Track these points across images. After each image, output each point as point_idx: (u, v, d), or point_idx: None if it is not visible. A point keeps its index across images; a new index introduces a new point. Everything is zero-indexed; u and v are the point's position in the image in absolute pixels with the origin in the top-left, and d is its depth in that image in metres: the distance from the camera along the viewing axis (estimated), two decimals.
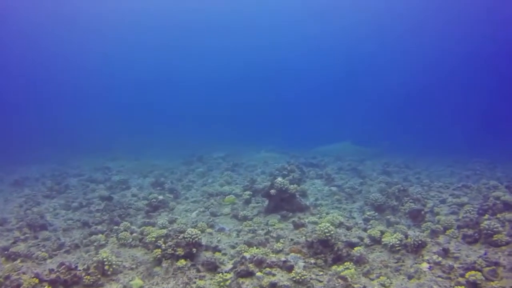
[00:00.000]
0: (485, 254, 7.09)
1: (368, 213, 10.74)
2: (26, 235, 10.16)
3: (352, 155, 23.39)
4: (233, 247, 8.45)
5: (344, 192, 13.42)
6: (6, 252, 8.43)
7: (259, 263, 6.99)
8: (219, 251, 8.27)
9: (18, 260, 8.16)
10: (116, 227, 9.87)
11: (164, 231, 8.37)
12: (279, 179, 10.84)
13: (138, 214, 11.78)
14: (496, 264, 6.44)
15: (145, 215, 11.55)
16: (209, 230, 9.53)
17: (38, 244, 9.49)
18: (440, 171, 19.53)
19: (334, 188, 13.90)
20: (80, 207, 12.86)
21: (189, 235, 7.86)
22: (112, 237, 9.29)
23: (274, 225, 9.65)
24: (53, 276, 6.83)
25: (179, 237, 7.93)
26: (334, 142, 26.79)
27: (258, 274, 6.63)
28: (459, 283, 5.98)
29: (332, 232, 7.70)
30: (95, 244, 8.88)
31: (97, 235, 9.46)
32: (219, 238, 9.00)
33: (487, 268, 6.28)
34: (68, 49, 67.11)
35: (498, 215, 8.83)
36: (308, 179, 15.28)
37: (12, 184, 17.19)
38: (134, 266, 7.54)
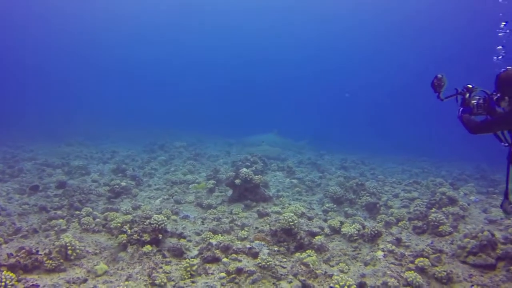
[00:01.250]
0: (432, 243, 7.84)
1: (327, 205, 11.25)
2: None
3: (277, 145, 24.45)
4: (198, 234, 8.61)
5: (304, 185, 13.92)
6: None
7: (225, 250, 7.22)
8: (184, 237, 8.39)
9: None
10: (77, 212, 9.66)
11: (130, 217, 8.36)
12: (244, 169, 11.09)
13: (99, 200, 11.57)
14: (441, 251, 7.13)
15: (107, 201, 11.37)
16: (174, 217, 9.60)
17: None
18: (393, 168, 20.74)
19: (295, 181, 14.38)
20: (36, 192, 12.39)
21: (155, 221, 7.91)
22: (73, 222, 9.10)
23: (238, 214, 9.89)
24: (12, 260, 6.63)
25: (145, 223, 7.96)
26: (262, 132, 27.53)
27: (225, 260, 6.86)
28: (409, 269, 6.56)
29: (295, 222, 8.06)
30: (55, 229, 8.67)
31: (57, 220, 9.23)
32: (184, 225, 9.11)
33: (433, 255, 6.95)
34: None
35: (443, 209, 9.66)
36: (270, 171, 15.67)
37: None
38: (98, 251, 7.49)
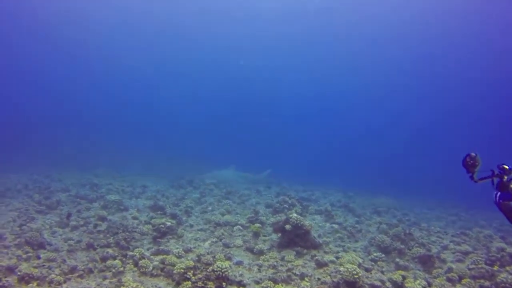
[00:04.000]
0: None
1: (374, 254, 10.95)
2: (28, 254, 9.59)
3: (238, 181, 24.82)
4: (257, 282, 8.38)
5: (345, 230, 13.65)
6: (20, 274, 7.92)
7: None
8: (244, 286, 8.18)
9: (34, 283, 7.69)
10: (130, 253, 9.50)
11: (192, 262, 8.18)
12: (294, 214, 10.93)
13: (144, 239, 11.42)
14: None
15: (152, 241, 11.22)
16: (227, 263, 9.40)
17: (44, 265, 8.98)
18: (426, 214, 20.34)
19: (335, 226, 14.11)
20: (78, 226, 12.31)
21: (218, 268, 7.77)
22: (128, 264, 8.95)
23: (293, 261, 9.66)
24: None
25: (208, 270, 7.81)
26: (221, 167, 27.78)
27: None
28: None
29: (359, 274, 7.86)
30: (112, 270, 8.52)
31: (111, 260, 9.09)
32: (240, 272, 8.89)
33: None
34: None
35: (507, 268, 9.32)
36: (308, 214, 15.44)
37: None
38: None
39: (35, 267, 8.63)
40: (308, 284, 8.18)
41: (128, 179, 22.91)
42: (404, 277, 8.67)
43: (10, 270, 8.26)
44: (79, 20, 55.91)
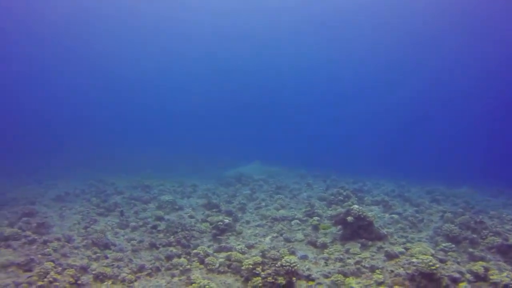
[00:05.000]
0: None
1: (443, 244, 10.31)
2: (97, 254, 9.87)
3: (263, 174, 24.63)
4: (326, 276, 8.09)
5: (407, 221, 13.01)
6: (94, 273, 8.13)
7: None
8: (313, 280, 7.93)
9: (109, 282, 7.86)
10: (194, 250, 9.52)
11: (259, 258, 8.02)
12: (356, 206, 10.52)
13: (203, 236, 11.45)
14: None
15: (212, 238, 11.22)
16: (292, 257, 9.17)
17: (113, 265, 9.20)
18: (488, 200, 19.09)
19: (395, 216, 13.49)
20: (138, 227, 12.57)
21: (287, 263, 7.54)
22: (194, 261, 8.96)
23: (359, 254, 9.27)
24: None
25: (276, 265, 7.61)
26: (247, 162, 28.27)
27: None
28: None
29: (437, 266, 7.36)
30: (179, 268, 8.55)
31: (176, 258, 9.15)
32: (307, 266, 8.64)
33: None
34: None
35: None
36: (365, 205, 14.90)
37: (55, 200, 16.97)
38: None
39: (105, 266, 8.86)
40: (380, 276, 7.78)
41: (175, 180, 23.28)
42: (486, 269, 8.04)
43: (84, 269, 8.51)
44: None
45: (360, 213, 10.22)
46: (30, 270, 8.31)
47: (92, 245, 10.57)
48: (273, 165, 28.07)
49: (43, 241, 10.28)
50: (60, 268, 8.19)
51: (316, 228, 11.56)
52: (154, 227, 12.30)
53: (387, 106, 70.63)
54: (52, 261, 8.62)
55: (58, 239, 10.59)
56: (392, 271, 8.11)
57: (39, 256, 9.18)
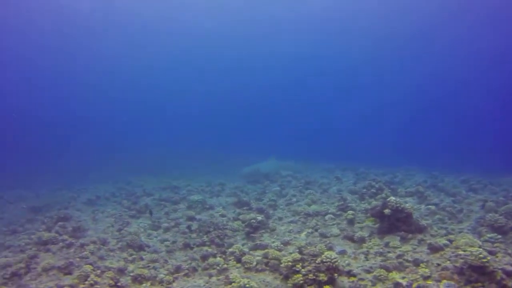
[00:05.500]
0: None
1: (488, 235, 9.79)
2: (133, 256, 9.91)
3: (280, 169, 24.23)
4: (367, 271, 7.80)
5: (445, 211, 12.50)
6: (132, 274, 8.14)
7: None
8: (354, 275, 7.66)
9: (148, 283, 7.84)
10: (230, 249, 9.40)
11: (298, 255, 7.81)
12: (393, 198, 10.14)
13: (236, 235, 11.34)
14: None
15: (245, 236, 11.09)
16: (330, 253, 8.91)
17: (149, 266, 9.21)
18: None
19: (432, 207, 12.99)
20: (170, 228, 12.59)
21: (328, 259, 7.31)
22: (230, 260, 8.85)
23: (399, 247, 8.92)
24: None
25: (316, 261, 7.39)
26: (261, 159, 27.95)
27: None
28: None
29: (488, 258, 6.96)
30: (216, 268, 8.45)
31: (212, 258, 9.06)
32: (347, 262, 8.37)
33: None
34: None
35: None
36: (399, 197, 14.42)
37: (86, 203, 17.27)
38: None
39: (142, 268, 8.86)
40: (427, 270, 7.43)
41: (202, 179, 23.30)
42: None
43: (121, 271, 8.54)
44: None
45: (398, 205, 9.85)
46: (70, 273, 8.41)
47: (127, 247, 10.65)
48: (288, 160, 28.02)
49: (80, 245, 10.42)
50: (99, 271, 8.24)
51: (351, 222, 11.25)
52: (189, 227, 12.26)
53: (399, 96, 69.20)
54: (91, 264, 8.69)
55: (94, 242, 10.70)
56: (438, 264, 7.74)
57: (77, 259, 9.29)
